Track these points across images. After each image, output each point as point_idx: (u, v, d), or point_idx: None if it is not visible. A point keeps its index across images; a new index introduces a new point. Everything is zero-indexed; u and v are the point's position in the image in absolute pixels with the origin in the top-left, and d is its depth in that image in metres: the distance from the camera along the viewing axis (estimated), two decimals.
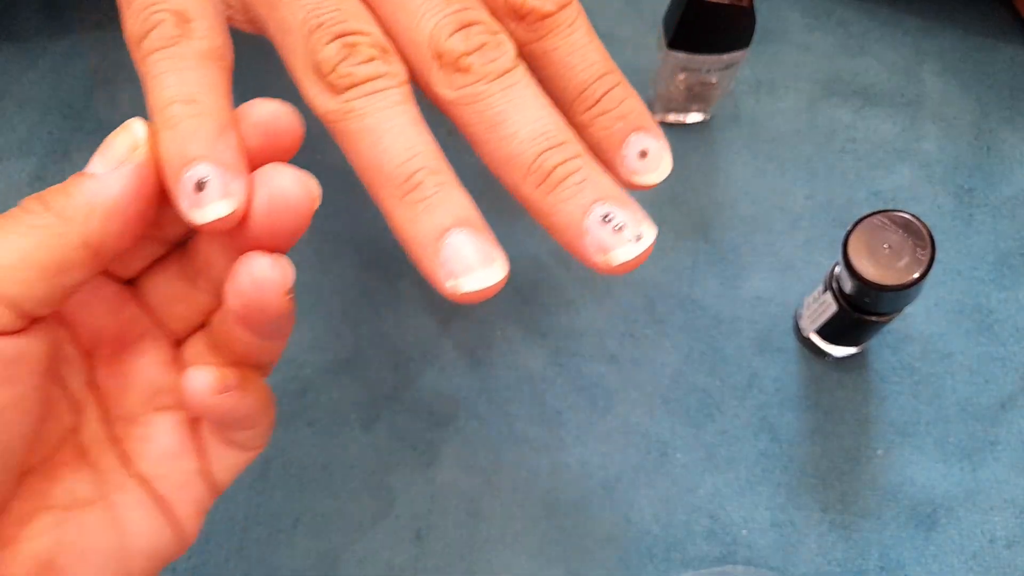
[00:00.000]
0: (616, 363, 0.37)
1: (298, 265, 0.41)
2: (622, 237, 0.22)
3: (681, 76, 0.37)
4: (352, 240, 0.39)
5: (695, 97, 0.39)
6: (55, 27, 0.43)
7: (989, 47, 0.43)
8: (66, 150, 0.40)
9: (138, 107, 0.46)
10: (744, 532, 0.34)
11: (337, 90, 0.21)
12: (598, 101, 0.23)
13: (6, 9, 0.44)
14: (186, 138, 0.20)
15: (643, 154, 0.23)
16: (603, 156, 0.24)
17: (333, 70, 0.21)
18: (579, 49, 0.23)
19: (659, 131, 0.24)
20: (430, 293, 0.38)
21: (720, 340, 0.37)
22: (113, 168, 0.20)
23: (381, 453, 0.35)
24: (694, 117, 0.40)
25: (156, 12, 0.21)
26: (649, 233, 0.22)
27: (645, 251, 0.22)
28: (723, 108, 0.41)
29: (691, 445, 0.36)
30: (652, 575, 0.34)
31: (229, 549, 0.34)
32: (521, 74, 0.22)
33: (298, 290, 0.39)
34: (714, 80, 0.37)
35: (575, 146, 0.22)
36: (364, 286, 0.38)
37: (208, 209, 0.20)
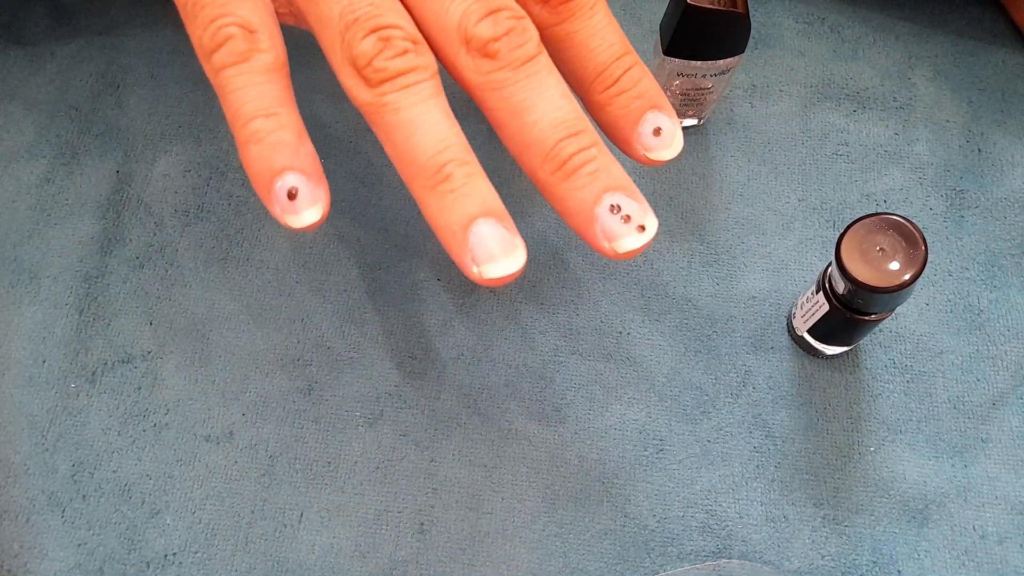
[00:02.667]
0: (613, 361, 0.37)
1: (303, 265, 0.41)
2: (628, 227, 0.23)
3: (677, 82, 0.37)
4: (357, 241, 0.39)
5: (690, 102, 0.39)
6: (63, 31, 0.44)
7: (980, 51, 0.43)
8: (74, 153, 0.40)
9: (146, 110, 0.46)
10: (739, 527, 0.35)
11: (372, 83, 0.22)
12: (616, 81, 0.24)
13: (14, 13, 0.44)
14: (272, 151, 0.22)
15: (657, 131, 0.24)
16: (620, 133, 0.25)
17: (368, 64, 0.22)
18: (599, 31, 0.24)
19: (672, 110, 0.25)
20: (432, 293, 0.39)
21: (715, 339, 0.38)
22: None
23: (384, 449, 0.36)
24: (688, 122, 0.41)
25: (225, 26, 0.22)
26: (652, 225, 0.23)
27: (647, 241, 0.23)
28: (717, 112, 0.42)
29: (687, 441, 0.36)
30: (649, 568, 0.34)
31: (235, 543, 0.34)
32: (544, 61, 0.23)
33: (303, 290, 0.40)
34: (709, 85, 0.38)
35: (591, 135, 0.23)
36: (368, 286, 0.39)
37: (303, 215, 0.22)
